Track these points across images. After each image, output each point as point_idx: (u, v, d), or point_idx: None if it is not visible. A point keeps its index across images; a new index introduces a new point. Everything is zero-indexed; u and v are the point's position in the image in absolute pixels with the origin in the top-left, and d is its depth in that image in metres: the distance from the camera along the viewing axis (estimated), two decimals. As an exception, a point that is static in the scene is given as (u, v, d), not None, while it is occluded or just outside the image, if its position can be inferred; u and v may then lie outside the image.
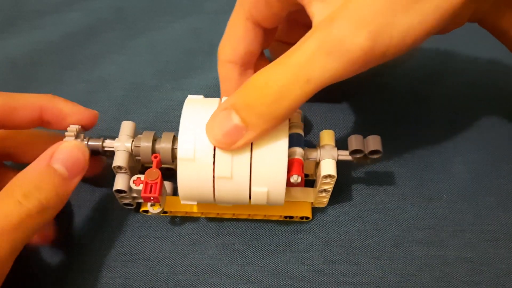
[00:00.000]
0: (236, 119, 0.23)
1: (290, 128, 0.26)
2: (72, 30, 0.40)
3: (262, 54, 0.31)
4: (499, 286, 0.27)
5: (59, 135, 0.28)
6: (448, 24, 0.25)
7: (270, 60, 0.32)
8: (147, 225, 0.29)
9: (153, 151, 0.27)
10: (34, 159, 0.25)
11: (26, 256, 0.27)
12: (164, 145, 0.26)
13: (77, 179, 0.25)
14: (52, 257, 0.28)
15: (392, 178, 0.31)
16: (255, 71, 0.30)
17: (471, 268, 0.28)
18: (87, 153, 0.25)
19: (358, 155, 0.26)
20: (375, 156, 0.26)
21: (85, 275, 0.27)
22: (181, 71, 0.37)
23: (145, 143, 0.27)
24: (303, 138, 0.27)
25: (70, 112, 0.27)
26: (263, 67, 0.31)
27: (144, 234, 0.29)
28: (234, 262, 0.28)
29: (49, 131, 0.29)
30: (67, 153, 0.24)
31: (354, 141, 0.26)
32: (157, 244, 0.29)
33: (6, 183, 0.24)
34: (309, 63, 0.21)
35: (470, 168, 0.32)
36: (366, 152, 0.26)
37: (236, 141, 0.23)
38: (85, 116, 0.27)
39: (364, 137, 0.26)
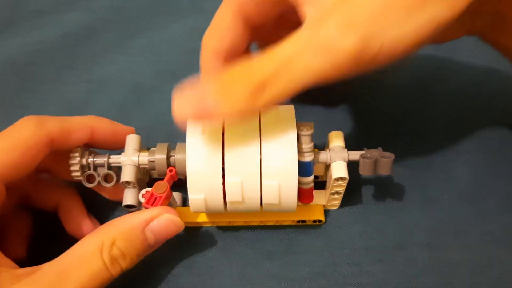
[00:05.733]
0: (210, 100, 0.22)
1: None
2: (72, 30, 0.40)
3: (247, 51, 0.30)
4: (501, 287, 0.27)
5: (66, 184, 0.29)
6: (443, 36, 0.24)
7: None
8: (147, 227, 0.29)
9: (169, 164, 0.26)
10: (46, 204, 0.27)
11: (29, 258, 0.27)
12: (179, 156, 0.26)
13: (158, 246, 0.25)
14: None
15: (392, 178, 0.31)
16: None
17: (472, 270, 0.27)
18: (182, 227, 0.25)
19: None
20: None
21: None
22: (181, 71, 0.37)
23: (159, 156, 0.26)
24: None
25: (114, 131, 0.28)
26: None
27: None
28: (234, 264, 0.28)
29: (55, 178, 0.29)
30: (163, 225, 0.25)
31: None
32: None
33: (18, 223, 0.27)
34: (294, 60, 0.21)
35: (471, 169, 0.31)
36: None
37: (203, 120, 0.23)
38: (127, 133, 0.29)
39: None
